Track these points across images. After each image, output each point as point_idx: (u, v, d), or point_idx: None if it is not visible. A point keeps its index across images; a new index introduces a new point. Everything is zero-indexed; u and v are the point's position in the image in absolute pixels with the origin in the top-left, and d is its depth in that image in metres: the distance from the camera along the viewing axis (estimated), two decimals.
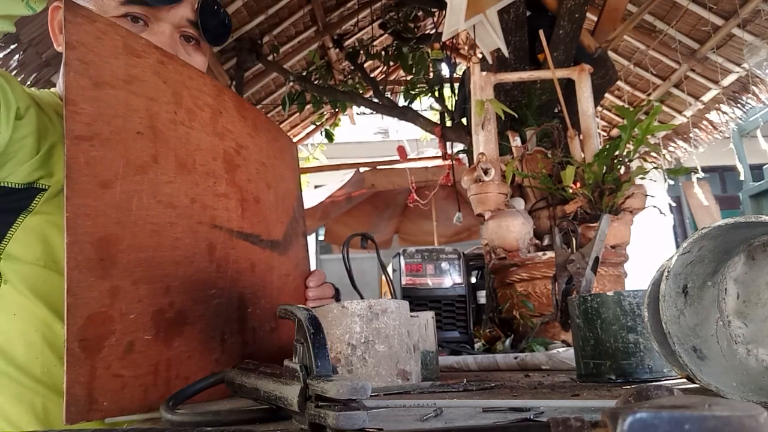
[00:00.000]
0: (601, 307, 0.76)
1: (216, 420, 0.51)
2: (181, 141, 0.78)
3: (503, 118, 1.79)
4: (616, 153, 1.57)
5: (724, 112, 4.56)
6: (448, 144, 4.01)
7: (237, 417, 0.51)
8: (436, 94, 4.39)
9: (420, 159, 5.56)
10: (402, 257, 1.62)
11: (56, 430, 0.54)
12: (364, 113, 5.37)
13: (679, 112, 4.75)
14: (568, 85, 1.94)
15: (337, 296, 1.11)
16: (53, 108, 0.87)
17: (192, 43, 0.95)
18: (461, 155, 3.84)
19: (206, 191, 0.81)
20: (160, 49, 0.79)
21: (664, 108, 4.67)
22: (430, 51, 4.31)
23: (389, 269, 1.69)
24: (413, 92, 4.51)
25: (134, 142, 0.71)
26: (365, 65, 4.68)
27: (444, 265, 1.61)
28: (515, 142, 1.87)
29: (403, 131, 6.23)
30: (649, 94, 4.70)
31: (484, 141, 1.74)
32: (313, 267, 1.11)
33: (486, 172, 1.65)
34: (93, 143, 0.66)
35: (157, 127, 0.75)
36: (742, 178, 5.13)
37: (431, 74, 4.49)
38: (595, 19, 2.98)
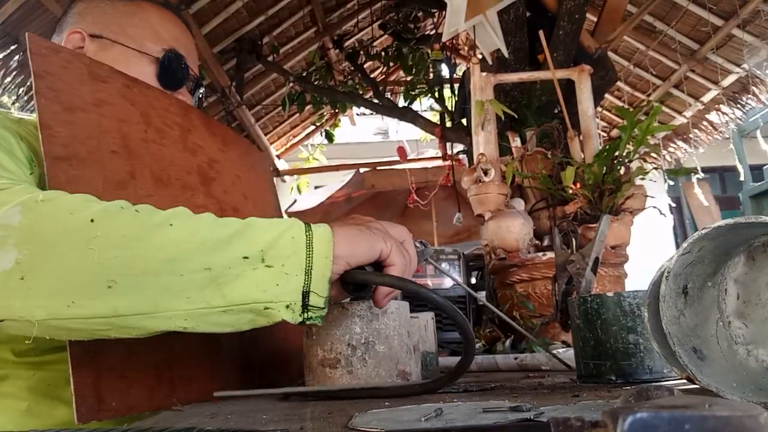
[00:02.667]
0: (601, 308, 0.76)
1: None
2: (155, 158, 0.81)
3: (503, 118, 1.79)
4: (616, 153, 1.57)
5: (724, 113, 4.56)
6: (448, 144, 4.01)
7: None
8: (436, 94, 4.39)
9: (420, 159, 5.56)
10: None
11: (56, 429, 0.54)
12: (364, 114, 5.38)
13: (679, 113, 4.75)
14: (568, 86, 1.94)
15: None
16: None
17: None
18: (461, 156, 3.84)
19: (185, 204, 0.83)
20: (123, 74, 0.83)
21: (664, 108, 4.67)
22: (430, 52, 4.31)
23: None
24: (413, 93, 4.51)
25: (110, 160, 0.74)
26: (365, 66, 4.68)
27: (444, 265, 1.60)
28: (515, 142, 1.87)
29: (403, 132, 6.24)
30: (649, 95, 4.70)
31: (483, 141, 1.74)
32: None
33: (486, 172, 1.65)
34: (71, 163, 0.69)
35: (130, 145, 0.78)
36: (742, 178, 5.13)
37: (431, 75, 4.49)
38: (595, 19, 2.99)
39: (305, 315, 0.62)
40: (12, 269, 0.54)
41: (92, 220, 0.57)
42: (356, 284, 0.70)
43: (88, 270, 0.55)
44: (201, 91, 1.07)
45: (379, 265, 0.70)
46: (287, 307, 0.61)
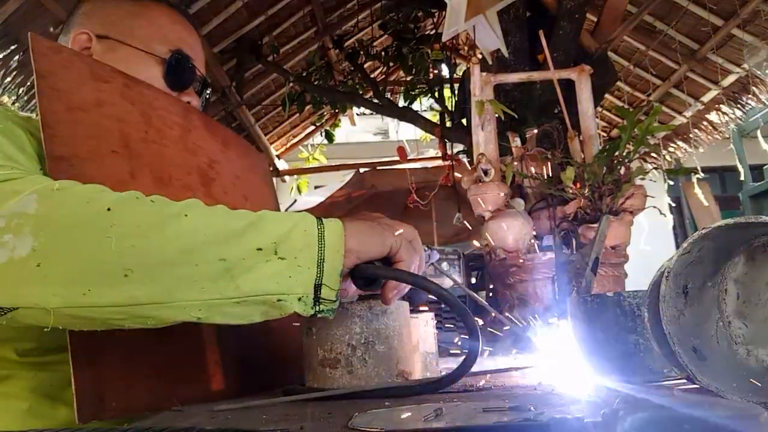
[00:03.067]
0: (601, 308, 0.76)
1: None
2: (155, 157, 0.82)
3: (503, 118, 1.79)
4: (616, 153, 1.57)
5: (724, 113, 4.56)
6: (448, 144, 4.01)
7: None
8: (436, 94, 4.39)
9: (420, 159, 5.55)
10: None
11: (56, 428, 0.54)
12: (363, 114, 5.37)
13: (679, 113, 4.74)
14: (568, 86, 1.94)
15: None
16: None
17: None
18: (461, 156, 3.84)
19: None
20: (124, 74, 0.83)
21: (664, 108, 4.66)
22: (430, 52, 4.31)
23: None
24: (413, 93, 4.51)
25: (110, 160, 0.74)
26: (365, 66, 4.68)
27: (444, 265, 1.60)
28: (515, 142, 1.87)
29: (403, 132, 6.24)
30: (649, 95, 4.70)
31: (483, 141, 1.74)
32: None
33: (486, 172, 1.65)
34: (72, 162, 0.69)
35: (130, 145, 0.78)
36: (742, 178, 5.12)
37: (431, 75, 4.48)
38: (595, 19, 2.98)
39: (317, 308, 0.63)
40: (28, 256, 0.54)
41: (109, 209, 0.58)
42: (366, 279, 0.71)
43: (104, 258, 0.56)
44: (208, 91, 1.07)
45: (388, 261, 0.70)
46: (299, 299, 0.62)
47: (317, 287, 0.62)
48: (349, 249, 0.65)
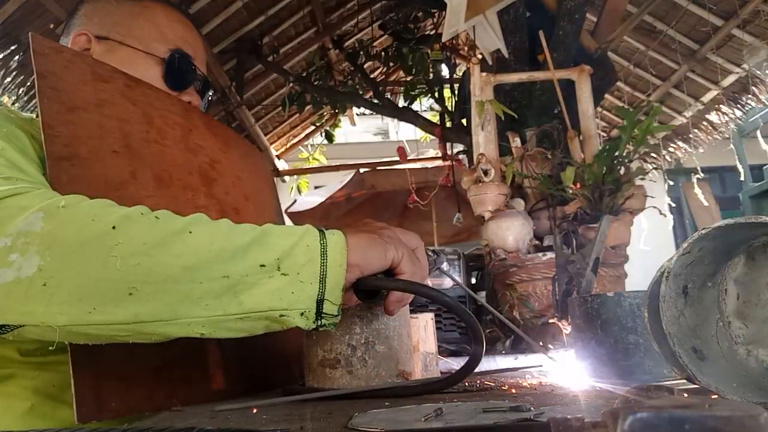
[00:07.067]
0: (601, 308, 0.76)
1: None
2: (156, 157, 0.81)
3: (503, 118, 1.79)
4: (616, 153, 1.57)
5: (723, 113, 4.56)
6: (448, 144, 4.00)
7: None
8: (436, 94, 4.39)
9: (420, 160, 5.55)
10: None
11: (56, 429, 0.54)
12: (363, 114, 5.37)
13: (679, 113, 4.74)
14: (568, 86, 1.94)
15: None
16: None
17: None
18: (461, 156, 3.84)
19: (186, 204, 0.83)
20: (125, 74, 0.83)
21: (664, 108, 4.66)
22: (430, 52, 4.31)
23: None
24: (413, 93, 4.51)
25: (111, 160, 0.74)
26: (365, 66, 4.68)
27: (444, 265, 1.60)
28: (515, 142, 1.87)
29: (403, 132, 6.23)
30: (649, 95, 4.70)
31: (483, 141, 1.74)
32: None
33: (486, 172, 1.65)
34: (73, 163, 0.69)
35: (131, 145, 0.78)
36: (742, 178, 5.12)
37: (431, 75, 4.48)
38: (595, 19, 2.98)
39: (319, 322, 0.63)
40: (34, 276, 0.55)
41: (114, 227, 0.58)
42: (368, 290, 0.70)
43: (110, 277, 0.56)
44: (210, 92, 1.06)
45: (390, 273, 0.70)
46: (302, 314, 0.62)
47: (319, 302, 0.63)
48: (351, 263, 0.65)
